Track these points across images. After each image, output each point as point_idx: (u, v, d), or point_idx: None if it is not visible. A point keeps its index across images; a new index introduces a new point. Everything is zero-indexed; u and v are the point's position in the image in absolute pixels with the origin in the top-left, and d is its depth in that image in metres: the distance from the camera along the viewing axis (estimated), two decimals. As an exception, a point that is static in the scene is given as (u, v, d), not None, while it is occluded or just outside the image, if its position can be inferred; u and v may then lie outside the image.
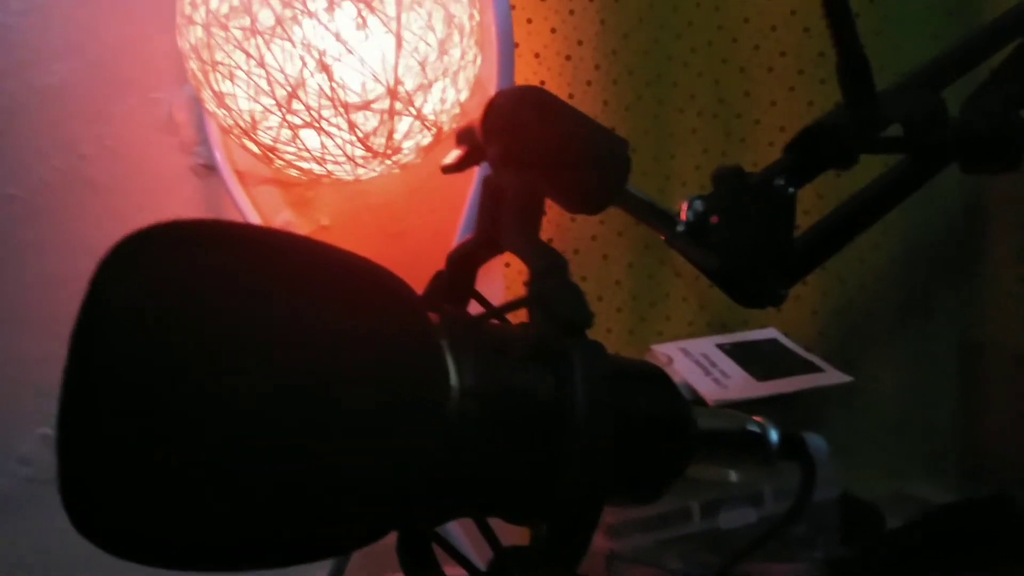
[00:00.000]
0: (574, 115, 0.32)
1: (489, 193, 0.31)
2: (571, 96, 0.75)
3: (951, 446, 0.86)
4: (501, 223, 0.29)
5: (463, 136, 0.33)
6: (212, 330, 0.23)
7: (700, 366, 0.74)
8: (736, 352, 0.77)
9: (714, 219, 0.37)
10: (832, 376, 0.72)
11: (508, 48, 0.56)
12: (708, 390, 0.70)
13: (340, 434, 0.22)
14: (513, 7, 0.72)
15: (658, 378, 0.31)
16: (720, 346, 0.78)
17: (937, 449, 0.86)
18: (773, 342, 0.80)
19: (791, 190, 0.40)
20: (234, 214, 0.69)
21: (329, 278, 0.26)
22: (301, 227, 0.71)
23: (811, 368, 0.74)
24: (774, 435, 0.37)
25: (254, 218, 0.68)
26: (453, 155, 0.34)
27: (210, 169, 0.68)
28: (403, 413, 0.23)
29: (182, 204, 0.68)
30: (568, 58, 0.74)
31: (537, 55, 0.73)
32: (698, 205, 0.38)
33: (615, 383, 0.26)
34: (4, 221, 0.65)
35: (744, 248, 0.38)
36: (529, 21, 0.73)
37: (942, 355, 0.85)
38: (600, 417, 0.24)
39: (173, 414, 0.22)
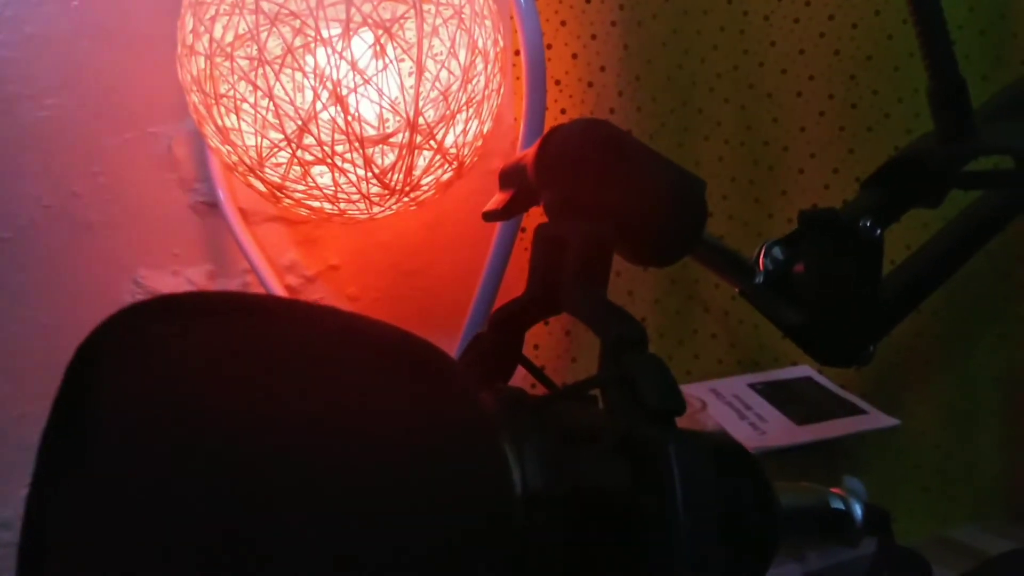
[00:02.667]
0: (648, 153, 0.28)
1: (544, 244, 0.26)
2: (593, 125, 0.71)
3: (997, 488, 0.81)
4: (562, 281, 0.24)
5: (509, 177, 0.29)
6: (207, 447, 0.18)
7: (734, 409, 0.69)
8: (770, 393, 0.72)
9: (798, 268, 0.33)
10: (877, 419, 0.67)
11: (539, 76, 0.52)
12: (745, 436, 0.65)
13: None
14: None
15: (743, 457, 0.27)
16: (753, 386, 0.74)
17: (982, 491, 0.81)
18: (808, 381, 0.76)
19: (878, 232, 0.36)
20: (236, 254, 0.64)
21: (358, 364, 0.21)
22: (309, 267, 0.67)
23: (853, 410, 0.69)
24: (859, 510, 0.33)
25: (258, 259, 0.63)
26: (497, 199, 0.29)
27: (211, 207, 0.63)
28: (461, 543, 0.18)
29: (181, 244, 0.64)
30: (590, 85, 0.71)
31: (558, 82, 0.70)
32: (777, 252, 0.34)
33: (718, 481, 0.21)
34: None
35: (834, 301, 0.33)
36: (549, 47, 0.69)
37: (985, 392, 0.81)
38: (704, 524, 0.20)
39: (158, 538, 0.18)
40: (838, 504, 0.32)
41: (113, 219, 0.62)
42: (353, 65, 0.45)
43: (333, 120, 0.46)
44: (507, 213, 0.29)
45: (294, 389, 0.19)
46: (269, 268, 0.64)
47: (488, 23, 0.50)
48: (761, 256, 0.34)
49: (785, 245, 0.34)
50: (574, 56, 0.70)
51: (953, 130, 0.37)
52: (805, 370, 0.77)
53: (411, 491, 0.18)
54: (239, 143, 0.48)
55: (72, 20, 0.59)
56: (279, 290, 0.64)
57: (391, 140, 0.47)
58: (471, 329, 0.58)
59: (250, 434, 0.19)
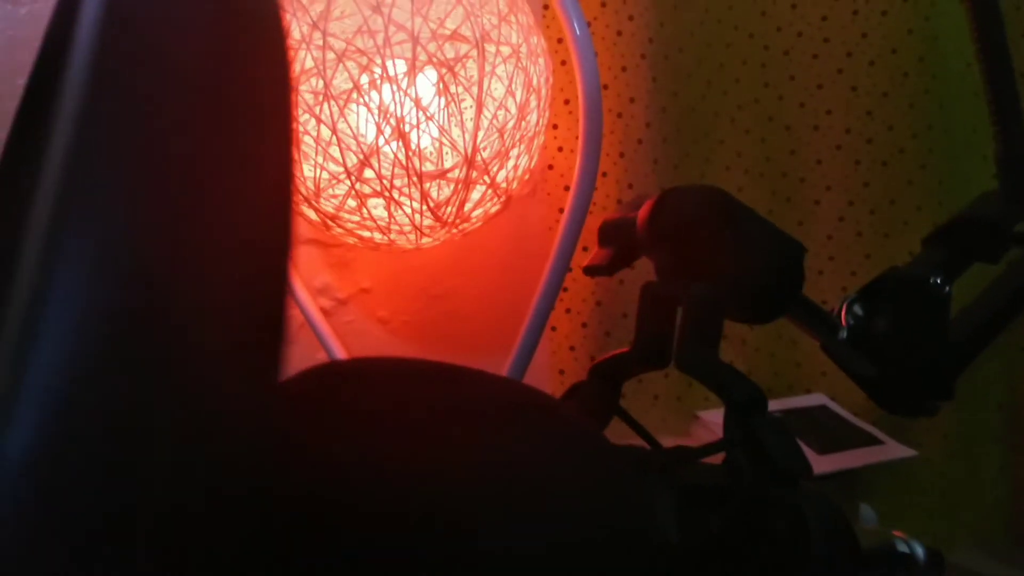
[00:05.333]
0: (756, 221, 0.29)
1: (654, 303, 0.27)
2: (622, 155, 0.73)
3: (1000, 513, 0.83)
4: (676, 340, 0.25)
5: (612, 233, 0.30)
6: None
7: (755, 437, 0.71)
8: (788, 420, 0.74)
9: (876, 324, 0.35)
10: (894, 449, 0.69)
11: (596, 109, 0.53)
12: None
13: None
14: (564, 62, 0.69)
15: (839, 511, 0.28)
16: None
17: (986, 516, 0.83)
18: (823, 409, 0.78)
19: (947, 289, 0.37)
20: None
21: (516, 428, 0.22)
22: (341, 290, 0.67)
23: (870, 440, 0.71)
24: (920, 552, 0.34)
25: (293, 281, 0.63)
26: (599, 255, 0.30)
27: (247, 229, 0.64)
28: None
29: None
30: (620, 115, 0.72)
31: (589, 113, 0.71)
32: (858, 309, 0.35)
33: (853, 540, 0.22)
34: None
35: (908, 355, 0.35)
36: (580, 77, 0.71)
37: (989, 419, 0.83)
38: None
39: None
40: (903, 547, 0.33)
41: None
42: (417, 102, 0.46)
43: (394, 155, 0.46)
44: (610, 269, 0.30)
45: (457, 452, 0.20)
46: (303, 289, 0.64)
47: (541, 61, 0.51)
48: (844, 312, 0.35)
49: (862, 303, 0.35)
50: (605, 87, 0.71)
51: (1017, 192, 0.39)
52: (820, 398, 0.79)
53: (571, 549, 0.19)
54: (297, 174, 0.48)
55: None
56: (313, 312, 0.64)
57: (448, 175, 0.48)
58: (519, 362, 0.59)
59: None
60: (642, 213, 0.29)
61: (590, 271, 0.31)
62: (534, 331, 0.58)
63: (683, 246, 0.27)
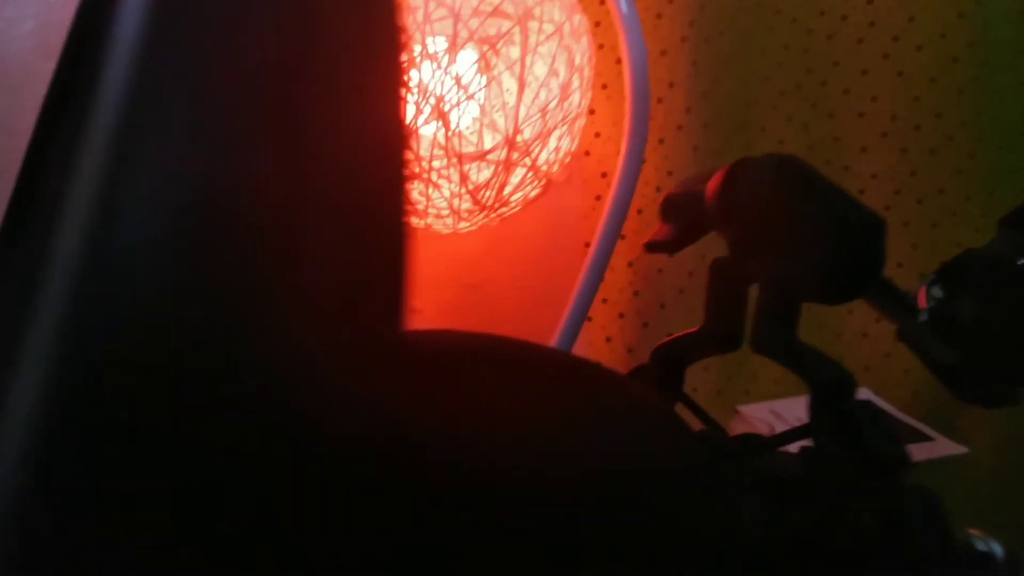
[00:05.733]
0: (836, 192, 0.28)
1: (725, 280, 0.26)
2: (662, 141, 0.71)
3: (1052, 514, 0.81)
4: (756, 321, 0.24)
5: (677, 207, 0.28)
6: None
7: (798, 432, 0.69)
8: (832, 416, 0.71)
9: (959, 307, 0.33)
10: (944, 446, 0.67)
11: (643, 90, 0.52)
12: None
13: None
14: (601, 46, 0.68)
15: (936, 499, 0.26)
16: (812, 408, 0.73)
17: (1036, 518, 0.80)
18: (868, 404, 0.75)
19: (1033, 271, 0.35)
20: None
21: (612, 419, 0.20)
22: (374, 278, 0.66)
23: (918, 436, 0.69)
24: (999, 550, 0.32)
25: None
26: (662, 231, 0.29)
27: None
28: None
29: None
30: (660, 100, 0.70)
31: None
32: (937, 291, 0.33)
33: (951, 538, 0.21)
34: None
35: (993, 341, 0.33)
36: (618, 62, 0.69)
37: (1039, 418, 0.80)
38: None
39: None
40: (982, 546, 0.32)
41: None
42: (457, 81, 0.44)
43: (434, 135, 0.45)
44: (676, 246, 0.29)
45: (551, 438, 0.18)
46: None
47: (584, 39, 0.50)
48: (923, 294, 0.33)
49: (943, 284, 0.33)
50: (644, 72, 0.69)
51: None
52: (865, 393, 0.76)
53: (659, 541, 0.18)
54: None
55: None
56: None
57: (488, 157, 0.47)
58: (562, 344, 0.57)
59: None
60: (711, 185, 0.27)
61: (653, 247, 0.29)
62: (574, 322, 0.57)
63: (757, 219, 0.25)
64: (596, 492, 0.17)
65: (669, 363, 0.27)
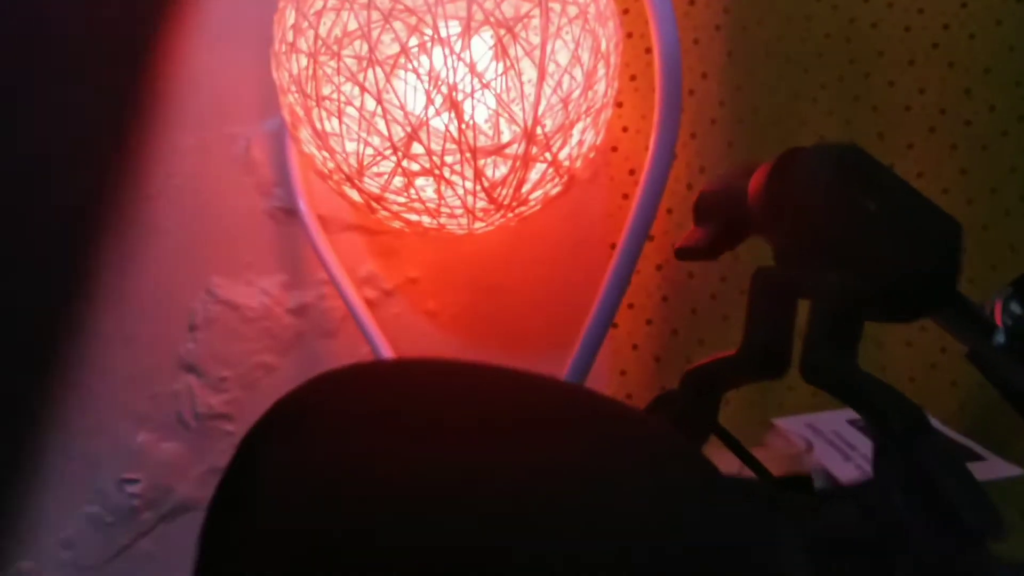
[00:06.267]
0: (905, 190, 0.23)
1: (768, 294, 0.22)
2: (694, 136, 0.66)
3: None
4: (808, 343, 0.20)
5: (713, 207, 0.24)
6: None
7: (837, 449, 0.64)
8: (874, 430, 0.67)
9: None
10: (997, 467, 0.61)
11: (674, 84, 0.47)
12: (852, 480, 0.60)
13: None
14: (630, 35, 0.64)
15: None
16: (852, 422, 0.68)
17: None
18: (942, 446, 0.70)
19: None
20: (313, 264, 0.61)
21: (619, 463, 0.16)
22: (387, 280, 0.63)
23: (970, 455, 0.64)
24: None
25: (336, 270, 0.59)
26: (696, 235, 0.25)
27: (289, 213, 0.60)
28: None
29: (256, 252, 0.60)
30: (691, 92, 0.66)
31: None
32: (1016, 307, 0.29)
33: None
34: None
35: None
36: (647, 51, 0.65)
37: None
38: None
39: None
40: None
41: (186, 224, 0.59)
42: (472, 68, 0.40)
43: (446, 128, 0.41)
44: (711, 252, 0.24)
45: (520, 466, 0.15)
46: (347, 279, 0.60)
47: (611, 24, 0.46)
48: (998, 311, 0.29)
49: (1021, 300, 0.29)
50: (675, 62, 0.65)
51: None
52: (907, 405, 0.71)
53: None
54: (339, 149, 0.44)
55: (153, 14, 0.55)
56: (357, 303, 0.60)
57: (505, 151, 0.43)
58: (581, 362, 0.53)
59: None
60: (755, 181, 0.23)
61: (684, 254, 0.25)
62: (598, 328, 0.53)
63: (812, 222, 0.21)
64: (615, 558, 0.14)
65: (702, 390, 0.23)
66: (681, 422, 0.23)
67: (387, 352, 0.60)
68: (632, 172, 0.67)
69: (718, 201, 0.25)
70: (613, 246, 0.65)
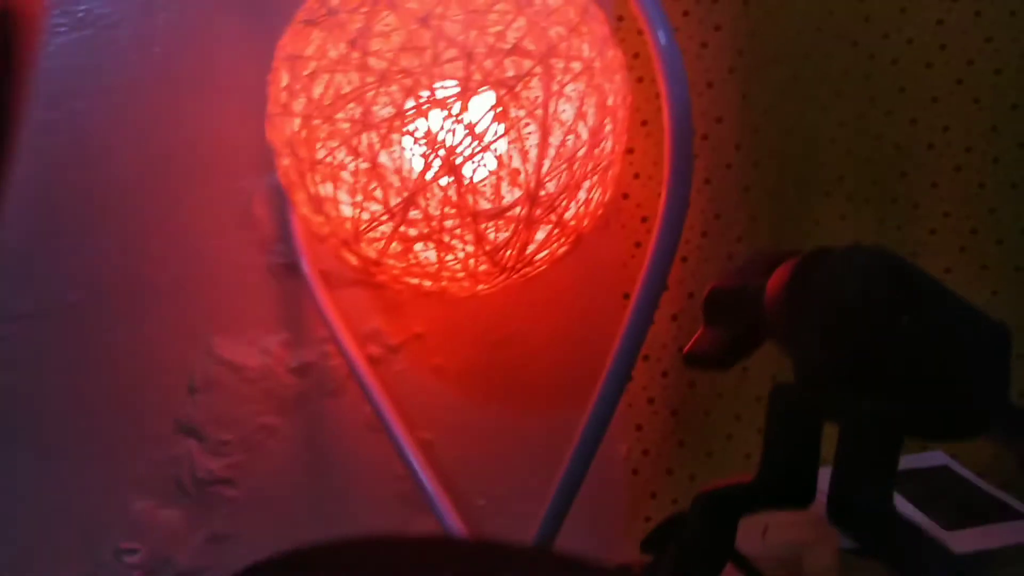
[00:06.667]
0: (945, 298, 0.21)
1: (789, 415, 0.19)
2: (708, 181, 0.64)
3: None
4: (837, 474, 0.17)
5: (726, 307, 0.22)
6: None
7: None
8: (908, 486, 0.63)
9: None
10: (1039, 525, 0.58)
11: (685, 130, 0.45)
12: None
13: None
14: (640, 79, 0.62)
15: None
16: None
17: None
18: (945, 471, 0.67)
19: None
20: (315, 321, 0.59)
21: None
22: (392, 336, 0.61)
23: (1007, 512, 0.60)
24: None
25: (339, 327, 0.57)
26: (707, 338, 0.22)
27: (290, 269, 0.58)
28: None
29: (258, 309, 0.58)
30: (705, 137, 0.64)
31: (670, 135, 0.63)
32: None
33: None
34: (63, 331, 0.55)
35: None
36: (659, 96, 0.63)
37: None
38: None
39: None
40: None
41: (187, 282, 0.57)
42: (471, 130, 0.39)
43: (444, 191, 0.40)
44: (724, 359, 0.22)
45: None
46: (350, 337, 0.58)
47: (618, 77, 0.44)
48: None
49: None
50: (688, 106, 0.63)
51: None
52: (940, 457, 0.68)
53: None
54: (334, 214, 0.42)
55: (154, 68, 0.54)
56: (358, 362, 0.58)
57: (508, 214, 0.41)
58: (598, 418, 0.51)
59: None
60: (774, 282, 0.20)
61: (694, 360, 0.23)
62: (615, 383, 0.50)
63: (836, 337, 0.19)
64: None
65: (715, 514, 0.21)
66: (693, 551, 0.21)
67: (390, 412, 0.58)
68: (645, 219, 0.64)
69: (732, 301, 0.22)
70: (626, 296, 0.62)
